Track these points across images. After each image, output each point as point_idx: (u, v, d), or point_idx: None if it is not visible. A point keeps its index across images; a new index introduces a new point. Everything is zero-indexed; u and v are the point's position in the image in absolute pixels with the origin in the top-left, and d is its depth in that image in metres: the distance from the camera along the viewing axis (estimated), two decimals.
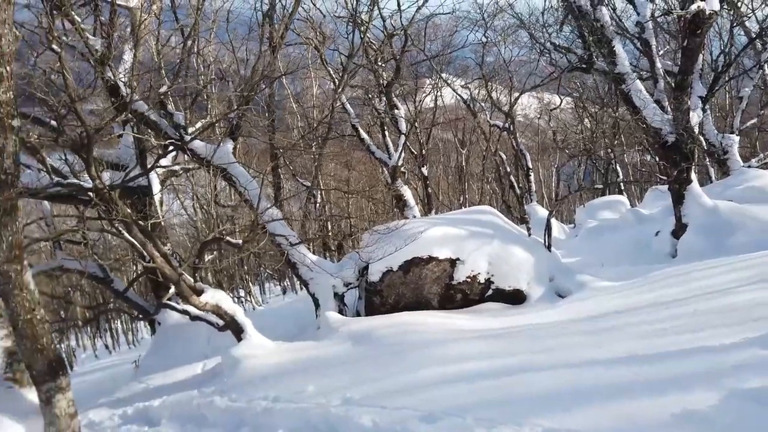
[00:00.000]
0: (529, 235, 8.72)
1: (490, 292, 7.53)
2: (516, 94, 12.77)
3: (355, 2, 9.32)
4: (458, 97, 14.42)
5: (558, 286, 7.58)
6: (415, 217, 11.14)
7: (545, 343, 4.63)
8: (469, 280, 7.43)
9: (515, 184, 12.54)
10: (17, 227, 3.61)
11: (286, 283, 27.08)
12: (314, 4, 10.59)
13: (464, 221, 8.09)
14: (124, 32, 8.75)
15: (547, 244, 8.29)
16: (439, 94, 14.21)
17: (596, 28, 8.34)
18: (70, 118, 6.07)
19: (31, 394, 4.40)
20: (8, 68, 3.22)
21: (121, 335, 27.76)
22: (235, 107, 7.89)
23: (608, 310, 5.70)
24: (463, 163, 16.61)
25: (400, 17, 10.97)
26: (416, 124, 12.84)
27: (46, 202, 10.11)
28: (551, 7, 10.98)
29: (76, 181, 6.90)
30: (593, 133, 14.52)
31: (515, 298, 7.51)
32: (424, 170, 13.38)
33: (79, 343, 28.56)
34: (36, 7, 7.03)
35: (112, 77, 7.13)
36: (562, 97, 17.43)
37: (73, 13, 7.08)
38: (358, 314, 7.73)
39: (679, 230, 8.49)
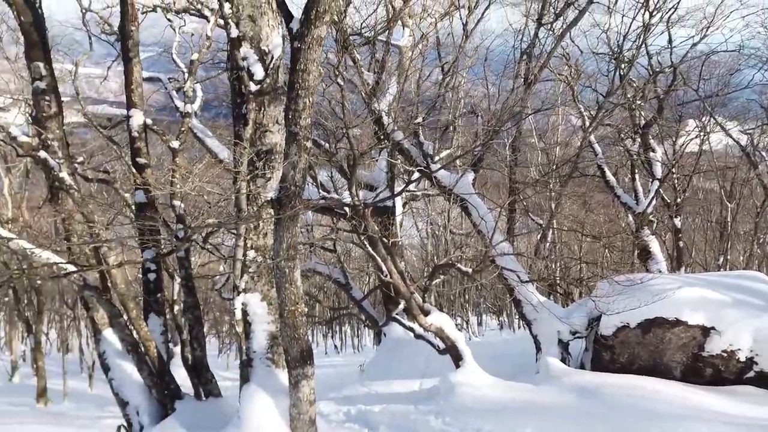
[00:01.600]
0: None
1: (751, 373, 6.33)
2: None
3: (621, 39, 8.86)
4: (733, 143, 12.54)
5: None
6: (660, 272, 10.01)
7: None
8: (724, 354, 6.37)
9: None
10: (296, 231, 4.28)
11: (503, 319, 26.72)
12: (573, 41, 10.38)
13: (725, 285, 6.98)
14: (391, 67, 9.78)
15: None
16: (705, 138, 12.58)
17: None
18: (341, 143, 7.01)
19: (283, 376, 5.11)
20: (311, 99, 3.88)
21: (348, 339, 30.53)
22: (481, 141, 8.13)
23: None
24: (729, 219, 14.35)
25: (671, 54, 10.05)
26: (674, 170, 11.54)
27: (309, 212, 11.75)
28: None
29: (337, 196, 7.90)
30: None
31: None
32: (677, 221, 11.95)
33: (314, 339, 32.25)
34: (324, 46, 8.32)
35: (378, 108, 8.00)
36: None
37: (355, 51, 8.18)
38: (582, 367, 7.23)
39: None
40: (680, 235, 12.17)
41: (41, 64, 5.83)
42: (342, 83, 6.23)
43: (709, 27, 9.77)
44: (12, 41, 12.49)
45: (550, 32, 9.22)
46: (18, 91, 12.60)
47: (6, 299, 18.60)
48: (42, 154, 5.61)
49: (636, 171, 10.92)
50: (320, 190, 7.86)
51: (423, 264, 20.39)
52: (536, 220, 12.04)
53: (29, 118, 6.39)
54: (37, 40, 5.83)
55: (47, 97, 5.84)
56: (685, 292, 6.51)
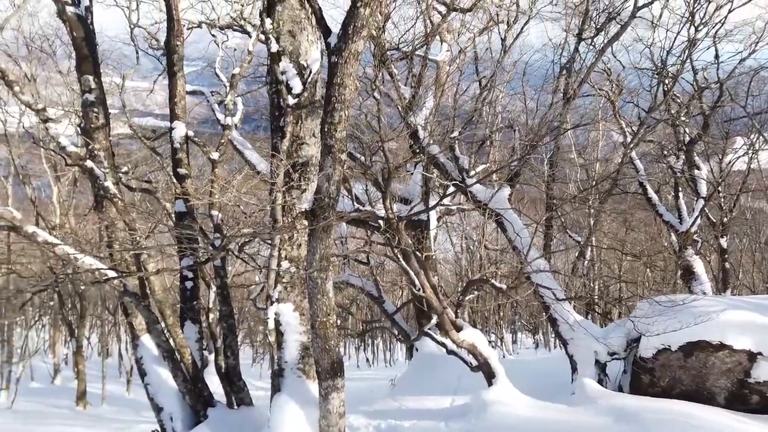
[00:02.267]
0: None
1: None
2: None
3: (665, 54, 8.66)
4: None
5: None
6: (704, 293, 9.64)
7: None
8: None
9: None
10: (329, 243, 4.30)
11: (538, 338, 26.20)
12: (614, 56, 10.20)
13: None
14: (428, 82, 9.80)
15: None
16: (754, 155, 12.12)
17: None
18: (377, 156, 7.04)
19: (313, 387, 5.10)
20: (346, 113, 3.92)
21: (380, 353, 30.42)
22: (518, 155, 8.05)
23: None
24: None
25: (717, 69, 9.76)
26: (720, 188, 11.16)
27: (344, 224, 11.81)
28: None
29: (371, 209, 7.92)
30: None
31: None
32: (723, 242, 11.50)
33: (346, 352, 32.26)
34: (362, 60, 8.40)
35: (414, 122, 8.02)
36: None
37: (392, 66, 8.24)
38: (620, 389, 7.00)
39: None
40: (726, 256, 11.71)
41: (91, 78, 6.07)
42: (378, 97, 6.27)
43: (758, 42, 9.46)
44: (65, 55, 13.10)
45: (591, 47, 9.10)
46: (69, 103, 13.18)
47: (51, 303, 19.29)
48: (89, 163, 5.81)
49: (680, 189, 10.60)
50: (355, 203, 7.88)
51: (457, 279, 20.20)
52: (574, 237, 11.78)
53: (78, 129, 6.65)
54: (87, 55, 6.08)
55: (96, 109, 6.07)
56: (731, 314, 6.25)
